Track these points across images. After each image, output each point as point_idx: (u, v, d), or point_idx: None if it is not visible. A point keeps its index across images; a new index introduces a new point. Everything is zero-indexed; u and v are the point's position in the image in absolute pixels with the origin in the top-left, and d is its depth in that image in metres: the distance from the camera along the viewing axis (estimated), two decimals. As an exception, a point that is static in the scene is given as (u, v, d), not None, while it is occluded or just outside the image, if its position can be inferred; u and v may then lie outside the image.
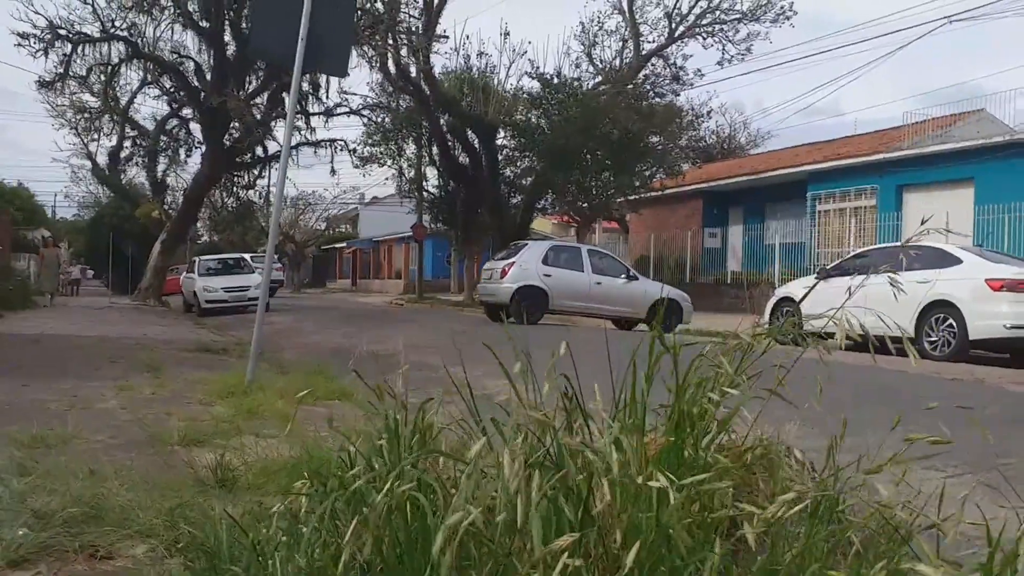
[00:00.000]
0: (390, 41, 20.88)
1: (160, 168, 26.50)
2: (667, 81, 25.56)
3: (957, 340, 10.20)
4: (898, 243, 13.24)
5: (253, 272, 22.26)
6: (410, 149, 29.49)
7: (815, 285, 12.46)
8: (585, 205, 22.73)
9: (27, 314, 15.81)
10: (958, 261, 10.66)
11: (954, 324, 10.25)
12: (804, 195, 23.66)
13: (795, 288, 13.07)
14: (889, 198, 21.20)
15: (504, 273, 15.35)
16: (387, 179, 31.72)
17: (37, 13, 20.38)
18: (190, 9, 21.26)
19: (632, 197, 24.74)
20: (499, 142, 25.39)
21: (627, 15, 25.02)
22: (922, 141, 21.30)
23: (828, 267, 12.82)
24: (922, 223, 2.76)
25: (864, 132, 28.24)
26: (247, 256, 24.32)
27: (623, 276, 16.10)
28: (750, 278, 22.54)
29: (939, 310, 10.47)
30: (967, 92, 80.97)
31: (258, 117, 22.56)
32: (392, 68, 23.45)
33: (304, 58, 5.95)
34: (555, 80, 22.46)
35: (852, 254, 13.57)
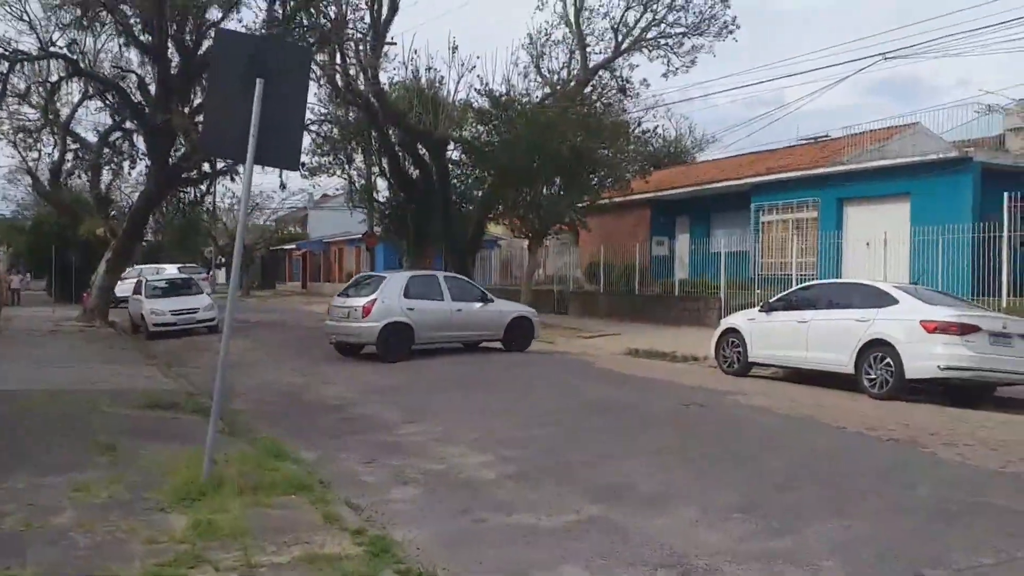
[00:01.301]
0: (338, 61, 20.69)
1: (104, 182, 25.93)
2: (614, 92, 25.90)
3: (895, 378, 10.63)
4: (843, 280, 13.67)
5: (201, 293, 21.99)
6: (359, 159, 29.30)
7: (758, 318, 12.90)
8: (535, 220, 22.90)
9: (-32, 350, 15.43)
10: (895, 301, 11.09)
11: (891, 363, 10.67)
12: (748, 205, 24.18)
13: (739, 320, 13.44)
14: (830, 211, 21.80)
15: (367, 311, 14.59)
16: (337, 189, 31.43)
17: (-30, 31, 19.75)
18: (131, 24, 20.84)
19: (581, 206, 25.02)
20: (449, 155, 25.40)
21: (573, 27, 25.24)
22: (860, 155, 21.93)
23: (772, 300, 13.19)
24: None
25: (805, 140, 29.00)
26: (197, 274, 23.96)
27: (479, 300, 16.20)
28: (696, 287, 23.00)
29: (877, 348, 10.89)
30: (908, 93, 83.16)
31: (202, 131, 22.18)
32: (340, 82, 23.30)
33: (256, 153, 5.99)
34: (503, 98, 22.53)
35: (796, 288, 13.99)
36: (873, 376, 10.89)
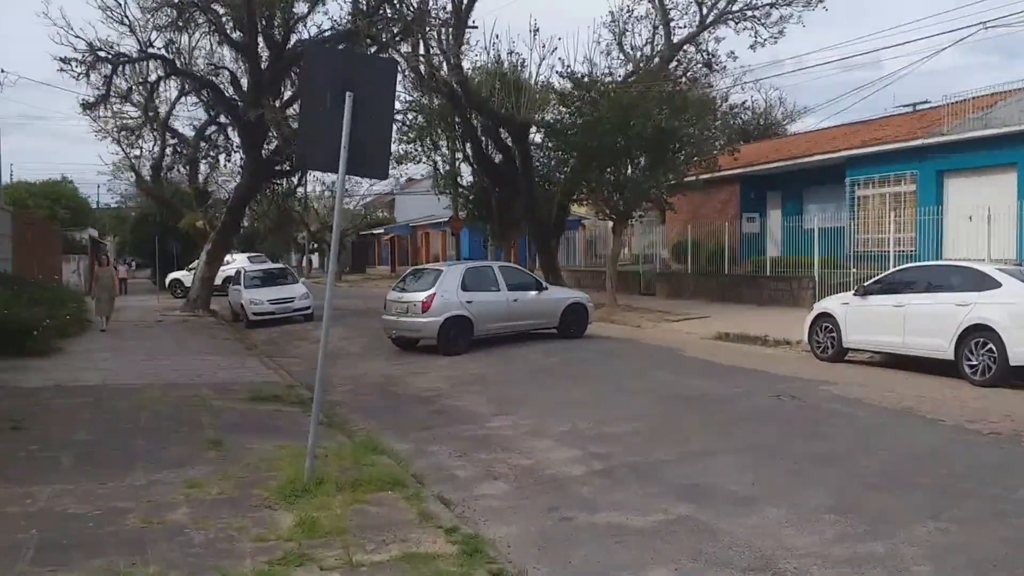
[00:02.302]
0: (421, 50, 20.96)
1: (201, 175, 27.08)
2: (699, 67, 25.43)
3: (997, 365, 10.21)
4: (942, 262, 13.14)
5: (296, 282, 22.76)
6: (444, 145, 29.69)
7: (853, 302, 12.56)
8: (620, 202, 22.73)
9: (82, 342, 16.43)
10: (997, 284, 10.62)
11: (994, 349, 10.25)
12: (843, 179, 23.41)
13: (833, 304, 13.10)
14: (929, 183, 20.91)
15: (426, 306, 14.51)
16: (423, 175, 31.93)
17: (77, 37, 20.85)
18: (224, 23, 21.59)
19: (667, 185, 24.68)
20: (532, 138, 25.45)
21: (656, 2, 24.81)
22: (962, 124, 20.89)
23: (867, 283, 12.80)
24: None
25: (903, 109, 27.82)
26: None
27: (534, 288, 16.07)
28: (788, 266, 22.45)
29: (979, 334, 10.47)
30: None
31: (294, 126, 22.88)
32: (423, 71, 23.63)
33: (347, 165, 6.21)
34: (585, 79, 22.38)
35: (891, 270, 13.52)
36: (975, 363, 10.49)
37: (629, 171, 23.09)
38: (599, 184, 22.99)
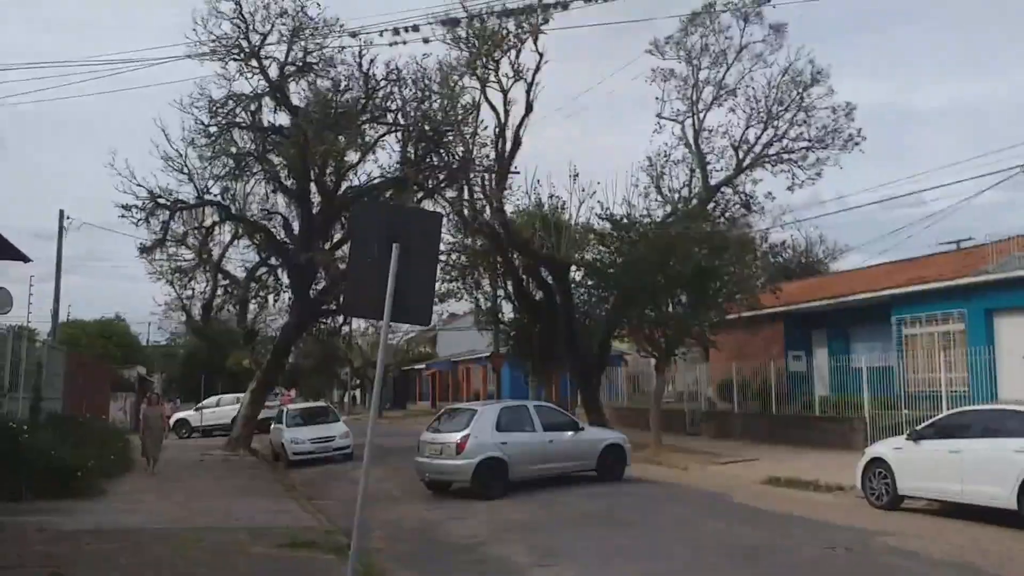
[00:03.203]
0: (465, 196, 21.73)
1: (250, 315, 27.77)
2: (737, 207, 25.82)
3: (1065, 517, 9.67)
4: (998, 406, 12.73)
5: (337, 420, 22.79)
6: (485, 283, 30.19)
7: (906, 447, 12.14)
8: (662, 339, 22.69)
9: (126, 482, 16.46)
10: (1058, 430, 10.21)
11: (1060, 500, 9.74)
12: (888, 318, 23.14)
13: (885, 449, 12.65)
14: (978, 323, 20.51)
15: (460, 448, 14.18)
16: (464, 312, 32.36)
17: (139, 185, 22.02)
18: (278, 171, 22.72)
19: (708, 323, 24.63)
20: (572, 276, 25.78)
21: (692, 147, 25.55)
22: (1008, 262, 20.70)
23: (919, 427, 12.40)
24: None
25: (946, 247, 27.78)
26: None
27: (570, 428, 15.67)
28: (838, 406, 21.91)
29: (1043, 482, 9.98)
30: (1052, 179, 78.75)
31: (342, 267, 23.55)
32: (467, 214, 24.36)
33: (392, 312, 6.35)
34: (624, 221, 22.85)
35: (944, 414, 13.12)
36: (1040, 513, 9.95)
37: (671, 308, 23.17)
38: (640, 321, 23.04)
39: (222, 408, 32.06)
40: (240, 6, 20.70)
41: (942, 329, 21.59)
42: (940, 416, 13.03)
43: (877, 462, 12.52)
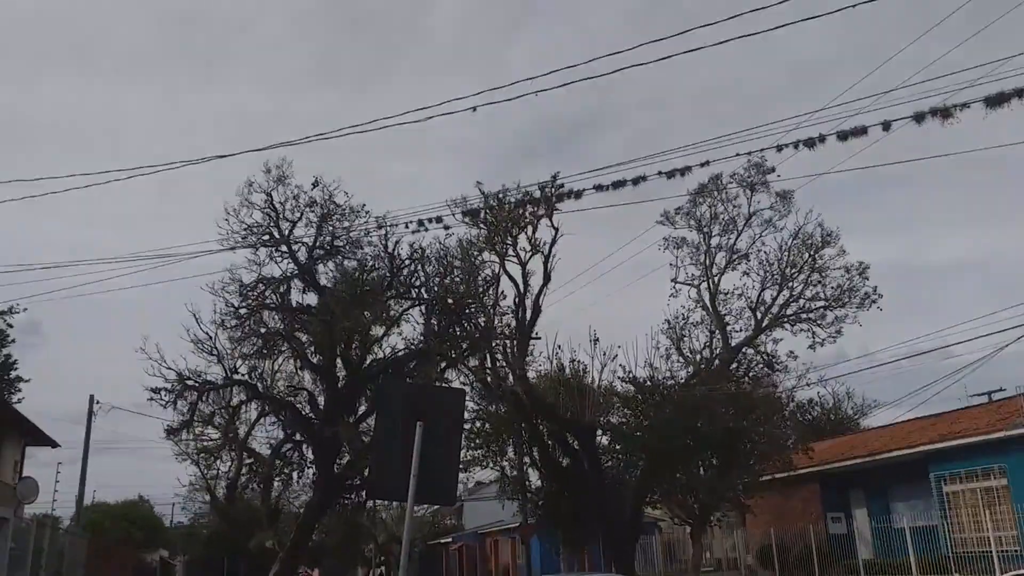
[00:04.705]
0: (488, 364, 21.97)
1: (274, 492, 27.40)
2: (760, 367, 25.77)
3: None
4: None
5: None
6: (510, 451, 29.81)
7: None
8: (695, 505, 22.09)
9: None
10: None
11: None
12: (926, 474, 22.51)
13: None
14: (1021, 477, 19.89)
15: None
16: (491, 481, 31.80)
17: (169, 368, 22.45)
18: (305, 349, 23.16)
19: (741, 486, 24.00)
20: (599, 441, 25.47)
21: (710, 309, 25.87)
22: (1042, 413, 20.34)
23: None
24: None
25: (977, 399, 27.38)
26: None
27: None
28: (884, 569, 20.94)
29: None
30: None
31: (366, 440, 23.47)
32: (490, 381, 24.47)
33: (415, 493, 6.36)
34: (647, 383, 22.86)
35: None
36: None
37: (702, 472, 22.67)
38: (671, 487, 22.52)
39: None
40: (271, 197, 21.87)
41: (984, 485, 20.93)
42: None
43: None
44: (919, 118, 14.55)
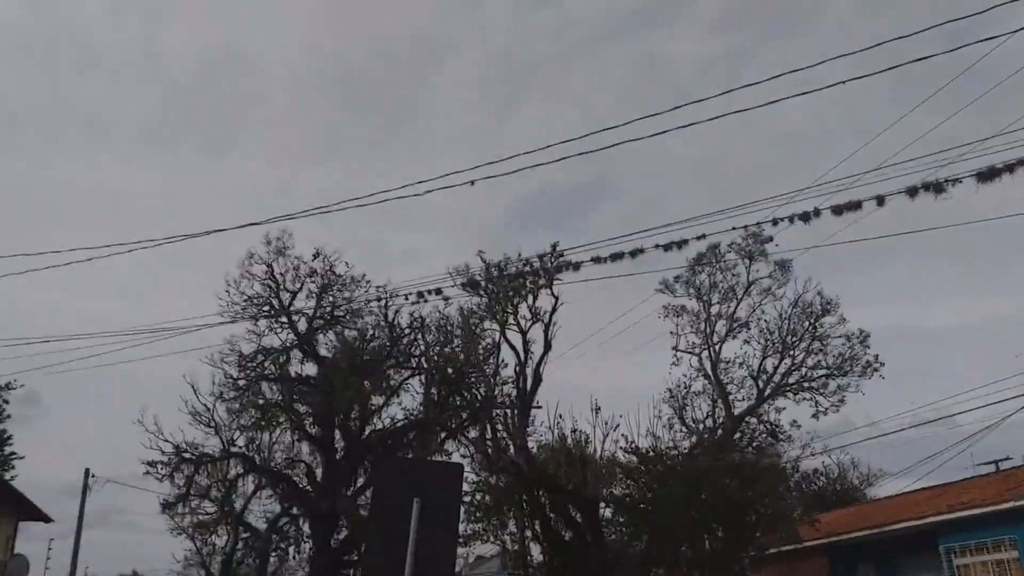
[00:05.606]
0: (488, 434, 21.76)
1: (270, 567, 26.79)
2: (764, 436, 25.50)
3: None
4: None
5: None
6: (512, 524, 29.25)
7: None
8: (700, 578, 21.55)
9: None
10: None
11: None
12: (936, 546, 22.03)
13: None
14: (1033, 549, 19.48)
15: None
16: (491, 555, 31.14)
17: (166, 440, 22.25)
18: (304, 420, 22.97)
19: (747, 559, 23.46)
20: (602, 513, 25.01)
21: (712, 378, 25.75)
22: (1051, 483, 20.04)
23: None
24: None
25: (984, 467, 27.00)
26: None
27: None
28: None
29: None
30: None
31: (364, 514, 23.06)
32: (490, 452, 24.16)
33: (413, 572, 6.23)
34: (650, 454, 22.58)
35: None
36: None
37: (707, 545, 22.17)
38: (676, 560, 22.00)
39: None
40: (271, 268, 22.01)
41: (995, 557, 20.48)
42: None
43: None
44: (912, 192, 14.70)
